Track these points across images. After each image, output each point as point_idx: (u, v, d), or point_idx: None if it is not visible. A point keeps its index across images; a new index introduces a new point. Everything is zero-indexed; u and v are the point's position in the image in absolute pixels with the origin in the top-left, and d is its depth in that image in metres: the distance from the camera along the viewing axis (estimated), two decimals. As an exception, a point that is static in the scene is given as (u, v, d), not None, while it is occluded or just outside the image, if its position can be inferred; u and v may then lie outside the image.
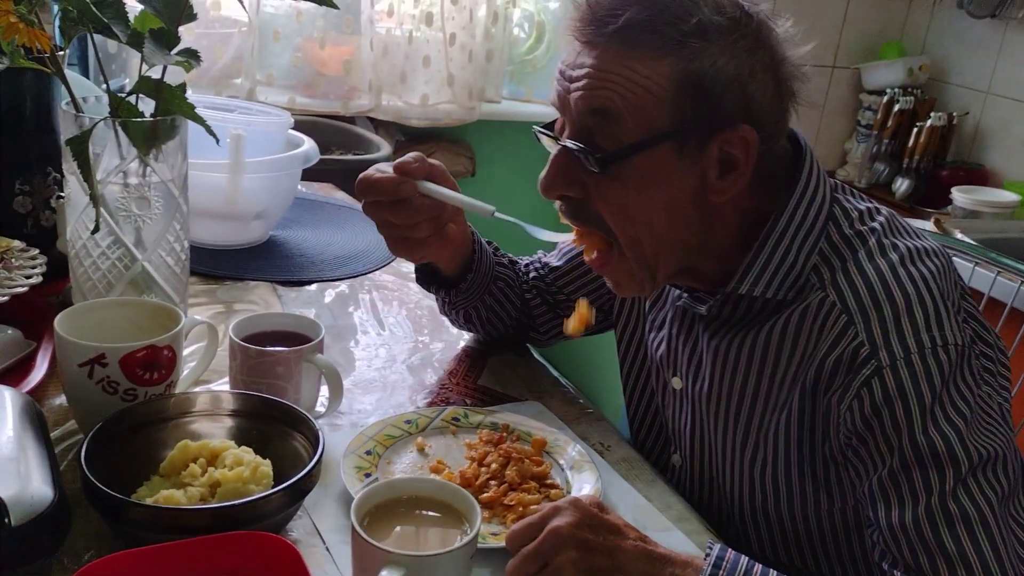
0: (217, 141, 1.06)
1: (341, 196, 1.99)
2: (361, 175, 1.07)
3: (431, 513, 0.80)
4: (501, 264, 1.27)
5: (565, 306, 1.29)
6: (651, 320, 1.16)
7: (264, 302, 1.40)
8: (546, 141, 0.99)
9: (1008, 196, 2.37)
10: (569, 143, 0.92)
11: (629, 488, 1.03)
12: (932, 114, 2.61)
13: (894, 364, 0.86)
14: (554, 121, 0.98)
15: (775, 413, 0.98)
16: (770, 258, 0.95)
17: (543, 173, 0.96)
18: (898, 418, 0.86)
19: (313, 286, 1.49)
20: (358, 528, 0.73)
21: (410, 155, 1.06)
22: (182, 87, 1.05)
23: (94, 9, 0.89)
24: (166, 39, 0.93)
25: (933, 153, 2.62)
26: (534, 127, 1.01)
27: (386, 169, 1.06)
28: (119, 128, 1.03)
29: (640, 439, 1.22)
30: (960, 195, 2.38)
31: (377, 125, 2.73)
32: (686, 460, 1.12)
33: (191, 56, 0.95)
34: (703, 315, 1.03)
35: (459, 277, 1.21)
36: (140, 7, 1.01)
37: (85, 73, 2.18)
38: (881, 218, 0.98)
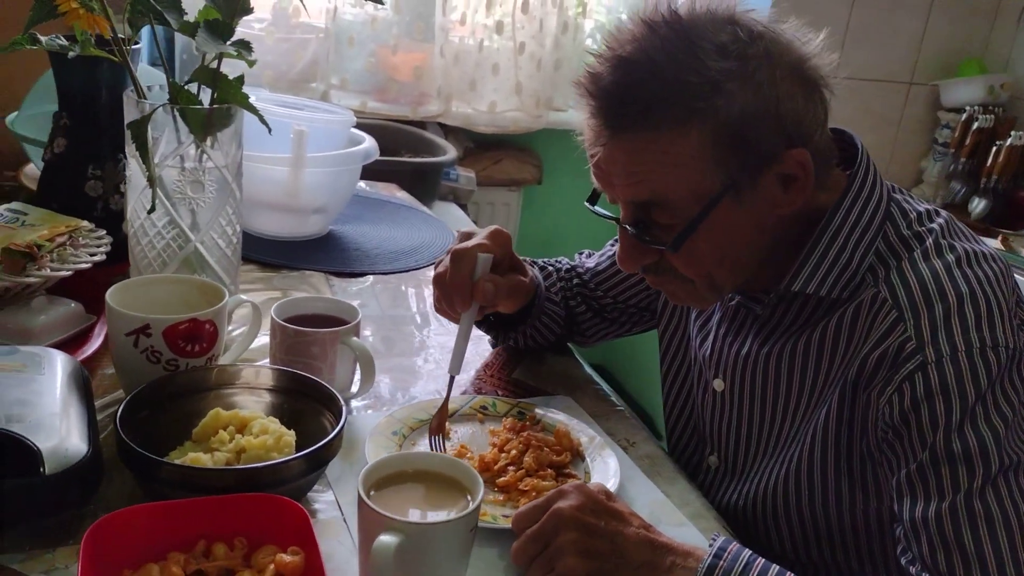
0: (269, 131, 1.11)
1: (402, 196, 2.04)
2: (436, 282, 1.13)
3: (438, 487, 0.83)
4: (550, 300, 1.28)
5: (610, 309, 1.30)
6: (696, 321, 1.16)
7: (315, 290, 1.45)
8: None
9: (1089, 220, 2.29)
10: (632, 231, 0.95)
11: (648, 483, 1.04)
12: (1012, 133, 2.53)
13: (939, 361, 0.85)
14: (596, 193, 1.01)
15: (816, 409, 0.98)
16: (824, 255, 0.94)
17: (618, 251, 0.99)
18: (937, 415, 0.84)
19: (365, 278, 1.54)
20: (363, 494, 0.76)
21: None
22: (240, 79, 1.11)
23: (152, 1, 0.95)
24: (221, 30, 0.99)
25: (1012, 173, 2.54)
26: (586, 204, 1.03)
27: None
28: (177, 114, 1.09)
29: (675, 439, 1.23)
30: (1038, 216, 2.31)
31: (447, 131, 2.79)
32: (723, 461, 1.13)
33: (244, 47, 1.01)
34: (757, 316, 1.03)
35: (518, 318, 1.24)
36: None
37: (172, 71, 2.29)
38: (940, 220, 0.96)
